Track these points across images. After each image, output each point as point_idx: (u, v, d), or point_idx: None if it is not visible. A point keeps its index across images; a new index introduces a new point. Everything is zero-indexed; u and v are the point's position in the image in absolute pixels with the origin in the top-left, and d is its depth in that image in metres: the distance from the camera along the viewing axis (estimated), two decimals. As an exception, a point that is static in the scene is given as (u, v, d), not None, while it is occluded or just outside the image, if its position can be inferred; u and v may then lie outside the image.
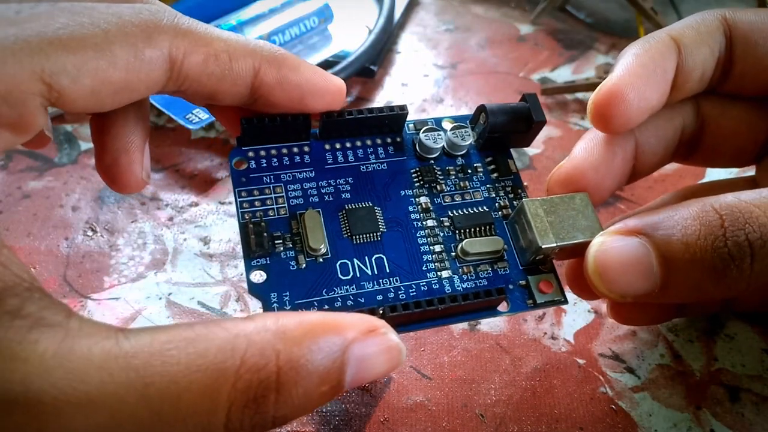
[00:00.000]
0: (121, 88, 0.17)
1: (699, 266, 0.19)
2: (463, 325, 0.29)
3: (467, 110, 0.40)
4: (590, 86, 0.40)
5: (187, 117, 0.35)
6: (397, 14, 0.46)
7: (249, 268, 0.20)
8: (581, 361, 0.27)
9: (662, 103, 0.23)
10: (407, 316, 0.19)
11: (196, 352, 0.15)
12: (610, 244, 0.20)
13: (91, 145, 0.38)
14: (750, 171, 0.28)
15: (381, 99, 0.41)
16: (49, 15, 0.16)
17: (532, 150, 0.37)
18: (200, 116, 0.35)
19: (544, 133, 0.39)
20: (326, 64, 0.40)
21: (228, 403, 0.15)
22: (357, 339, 0.16)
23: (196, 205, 0.34)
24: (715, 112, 0.25)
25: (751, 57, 0.23)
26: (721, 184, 0.28)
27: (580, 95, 0.41)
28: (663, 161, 0.26)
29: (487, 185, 0.23)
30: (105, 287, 0.30)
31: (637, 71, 0.22)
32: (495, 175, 0.23)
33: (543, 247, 0.20)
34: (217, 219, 0.34)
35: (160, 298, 0.30)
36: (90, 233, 0.33)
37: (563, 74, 0.43)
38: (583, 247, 0.21)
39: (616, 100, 0.22)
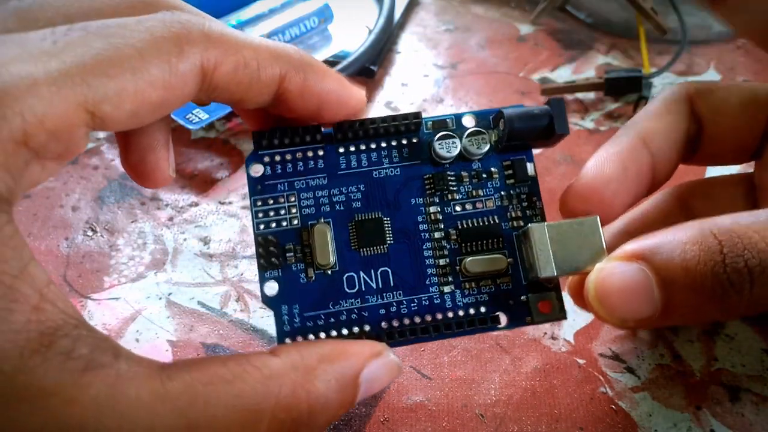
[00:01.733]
0: (159, 105, 0.17)
1: (699, 291, 0.19)
2: (463, 325, 0.29)
3: (467, 110, 0.40)
4: (590, 86, 0.40)
5: (187, 117, 0.35)
6: (397, 14, 0.46)
7: (263, 280, 0.21)
8: (581, 361, 0.27)
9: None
10: (406, 339, 0.21)
11: (234, 394, 0.16)
12: (611, 271, 0.20)
13: (91, 144, 0.38)
14: (749, 168, 0.27)
15: (381, 99, 0.41)
16: (84, 41, 0.16)
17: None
18: (200, 116, 0.36)
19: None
20: (326, 64, 0.40)
21: None
22: (366, 365, 0.19)
23: (196, 205, 0.34)
24: (711, 108, 0.25)
25: (719, 130, 0.25)
26: (718, 182, 0.28)
27: (580, 95, 0.41)
28: (676, 165, 0.26)
29: (501, 192, 0.22)
30: (105, 287, 0.30)
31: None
32: (511, 181, 0.22)
33: (542, 276, 0.20)
34: (217, 219, 0.34)
35: (160, 298, 0.30)
36: (90, 233, 0.33)
37: (563, 74, 0.43)
38: (585, 273, 0.21)
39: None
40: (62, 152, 0.16)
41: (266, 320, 0.29)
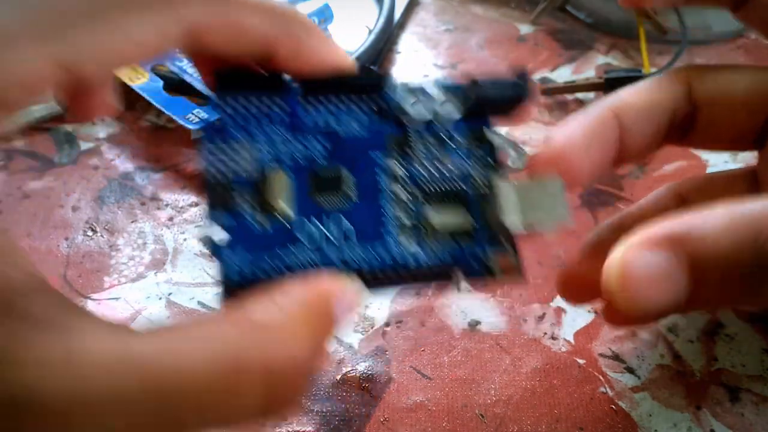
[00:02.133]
0: (135, 60, 0.16)
1: (733, 278, 0.18)
2: (463, 325, 0.29)
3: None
4: (590, 86, 0.40)
5: (187, 117, 0.35)
6: (397, 14, 0.46)
7: (210, 225, 0.19)
8: (581, 361, 0.27)
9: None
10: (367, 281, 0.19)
11: (214, 348, 0.14)
12: (637, 255, 0.19)
13: (91, 144, 0.38)
14: (752, 158, 0.27)
15: (381, 99, 0.41)
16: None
17: (531, 150, 0.37)
18: (200, 116, 0.35)
19: (544, 133, 0.39)
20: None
21: (252, 391, 0.15)
22: (338, 298, 0.17)
23: (196, 205, 0.34)
24: (709, 94, 0.25)
25: (716, 117, 0.24)
26: (718, 178, 0.28)
27: (580, 95, 0.41)
28: (654, 145, 0.25)
29: (466, 159, 0.22)
30: (105, 287, 0.30)
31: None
32: (477, 150, 0.22)
33: (508, 226, 0.20)
34: (217, 219, 0.34)
35: (160, 298, 0.30)
36: (90, 233, 0.33)
37: (563, 74, 0.43)
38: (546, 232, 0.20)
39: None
40: (20, 103, 0.15)
41: (266, 320, 0.29)
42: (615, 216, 0.27)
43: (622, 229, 0.25)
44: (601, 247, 0.21)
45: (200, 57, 0.19)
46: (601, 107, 0.24)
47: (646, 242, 0.19)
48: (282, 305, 0.16)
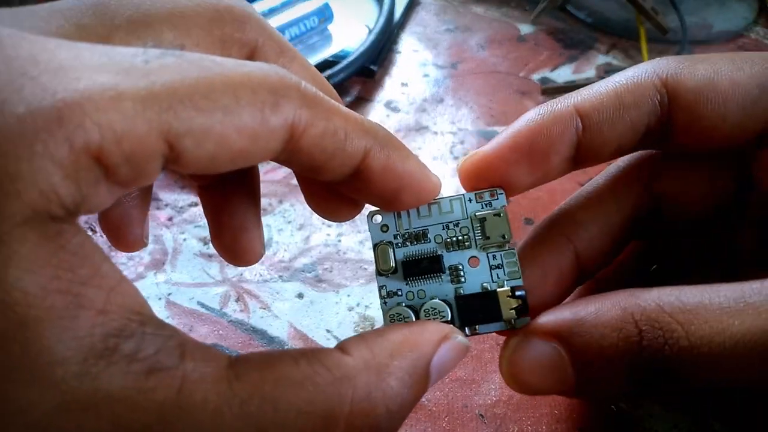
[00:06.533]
0: (240, 156, 0.16)
1: (614, 378, 0.18)
2: (463, 325, 0.29)
3: (467, 110, 0.40)
4: (590, 86, 0.40)
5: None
6: (397, 14, 0.46)
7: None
8: (581, 362, 0.27)
9: (547, 180, 0.22)
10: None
11: (305, 399, 0.16)
12: (525, 348, 0.20)
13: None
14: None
15: (381, 99, 0.41)
16: (179, 68, 0.15)
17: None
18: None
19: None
20: (326, 64, 0.40)
21: None
22: (436, 352, 0.18)
23: (196, 205, 0.34)
24: (668, 184, 0.23)
25: (693, 127, 0.21)
26: (696, 158, 0.24)
27: (580, 95, 0.41)
28: (624, 148, 0.22)
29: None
30: (104, 287, 0.30)
31: (510, 147, 0.21)
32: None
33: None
34: (217, 219, 0.34)
35: (160, 299, 0.30)
36: (90, 233, 0.33)
37: (563, 74, 0.43)
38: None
39: (484, 173, 0.21)
40: (129, 180, 0.15)
41: (266, 320, 0.29)
42: (567, 200, 0.25)
43: (559, 224, 0.23)
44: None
45: (301, 169, 0.19)
46: (563, 104, 0.22)
47: (538, 332, 0.19)
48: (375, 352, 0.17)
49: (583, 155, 0.21)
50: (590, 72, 0.43)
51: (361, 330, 0.29)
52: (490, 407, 0.26)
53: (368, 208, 0.21)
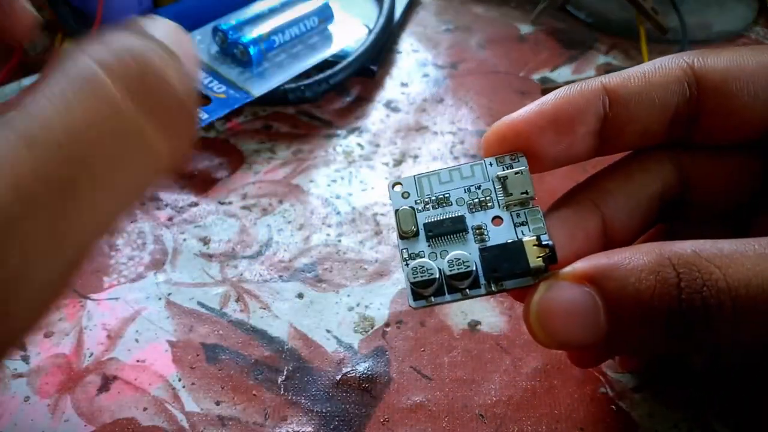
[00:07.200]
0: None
1: (650, 325, 0.18)
2: (463, 326, 0.29)
3: (467, 110, 0.40)
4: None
5: (186, 117, 0.35)
6: (397, 14, 0.46)
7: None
8: (581, 362, 0.27)
9: (573, 156, 0.22)
10: None
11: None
12: (556, 292, 0.19)
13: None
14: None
15: (381, 99, 0.41)
16: None
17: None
18: (200, 116, 0.35)
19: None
20: (326, 64, 0.40)
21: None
22: None
23: (196, 205, 0.34)
24: (698, 170, 0.23)
25: (723, 110, 0.21)
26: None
27: (580, 95, 0.41)
28: (657, 136, 0.22)
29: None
30: (104, 287, 0.30)
31: (535, 119, 0.21)
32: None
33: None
34: (217, 219, 0.34)
35: (160, 299, 0.30)
36: (89, 233, 0.33)
37: (563, 74, 0.43)
38: None
39: (509, 141, 0.21)
40: None
41: (265, 320, 0.29)
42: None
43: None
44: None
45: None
46: (591, 81, 0.22)
47: (569, 276, 0.19)
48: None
49: (609, 133, 0.21)
50: (590, 72, 0.43)
51: (361, 330, 0.29)
52: (490, 407, 0.26)
53: (390, 178, 0.21)
